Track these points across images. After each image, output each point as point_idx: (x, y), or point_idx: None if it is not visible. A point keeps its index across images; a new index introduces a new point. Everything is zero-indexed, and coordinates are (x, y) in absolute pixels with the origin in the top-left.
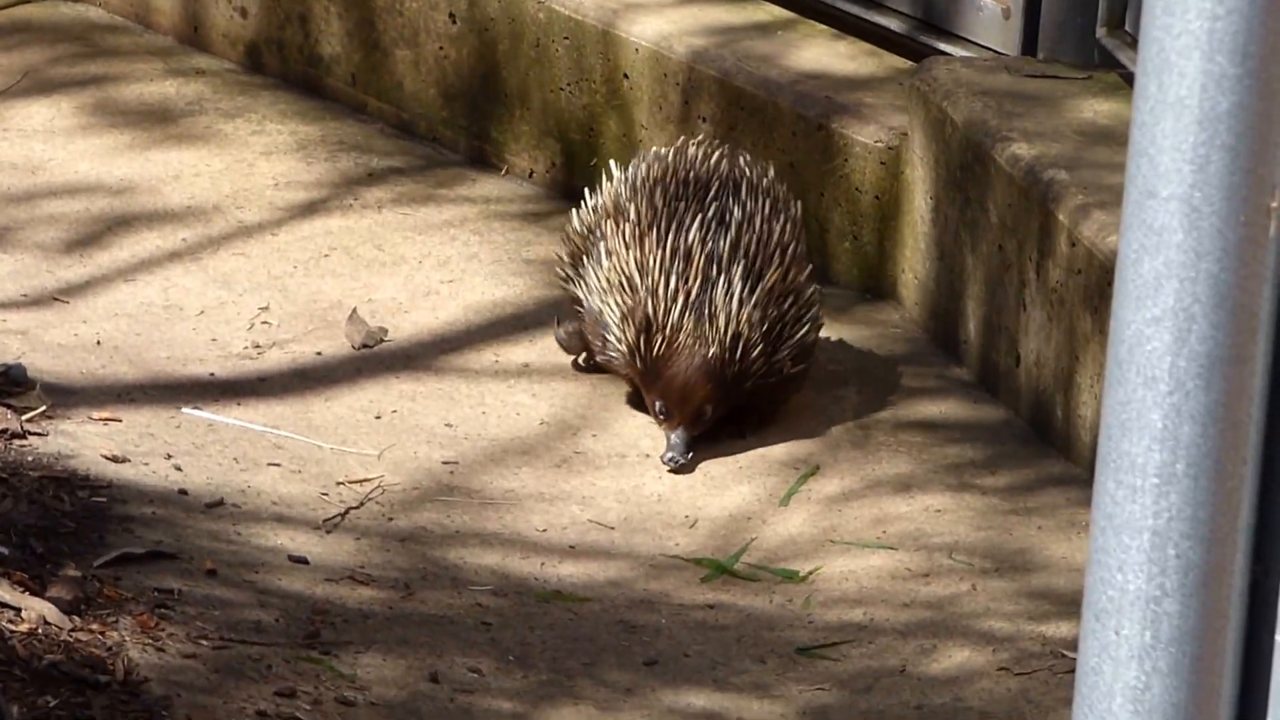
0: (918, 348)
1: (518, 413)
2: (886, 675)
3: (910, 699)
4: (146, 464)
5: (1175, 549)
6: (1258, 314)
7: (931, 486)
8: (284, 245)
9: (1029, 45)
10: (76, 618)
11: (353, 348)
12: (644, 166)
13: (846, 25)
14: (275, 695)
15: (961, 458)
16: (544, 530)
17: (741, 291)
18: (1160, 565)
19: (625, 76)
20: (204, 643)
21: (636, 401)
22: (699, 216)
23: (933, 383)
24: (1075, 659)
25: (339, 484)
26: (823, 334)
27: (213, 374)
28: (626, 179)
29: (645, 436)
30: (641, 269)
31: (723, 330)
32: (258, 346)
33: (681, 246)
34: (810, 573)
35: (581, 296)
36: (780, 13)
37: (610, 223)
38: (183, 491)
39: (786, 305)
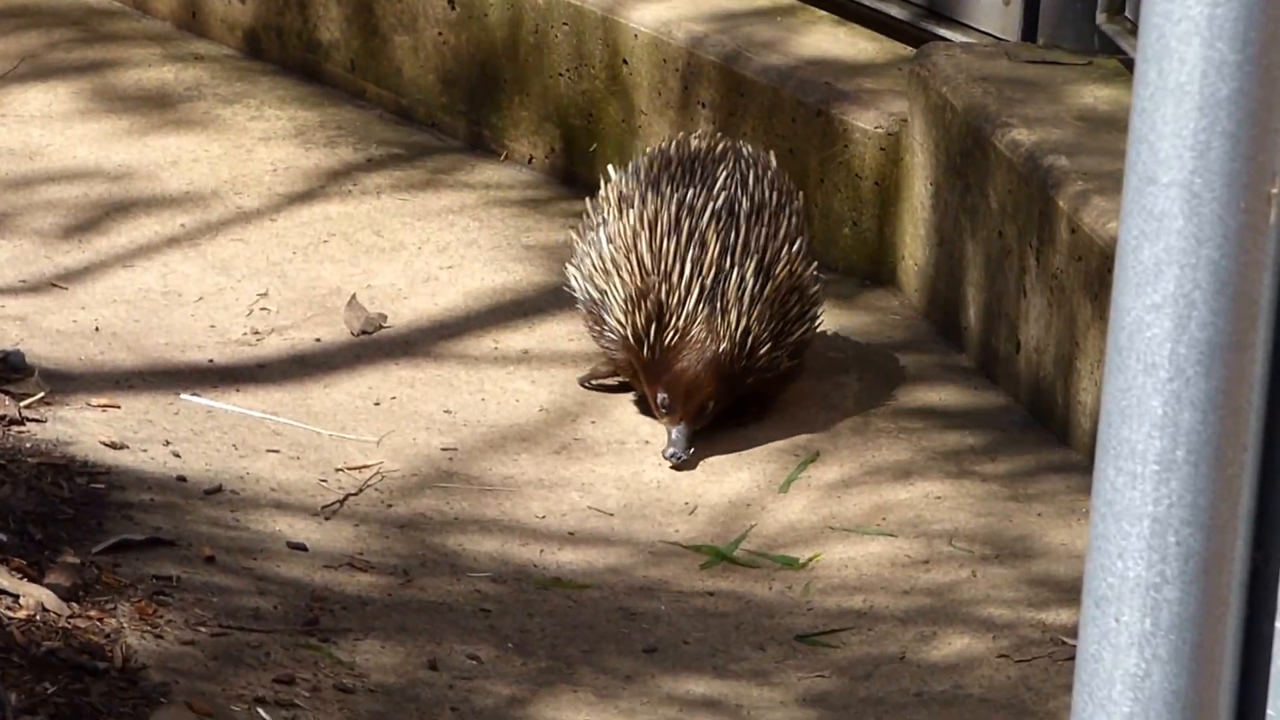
0: (918, 334)
1: (517, 399)
2: (886, 662)
3: (910, 686)
4: (145, 450)
5: (1175, 536)
6: (1258, 301)
7: (931, 473)
8: (283, 231)
9: (1029, 31)
10: (75, 604)
11: (351, 334)
12: (646, 160)
13: (847, 11)
14: (274, 682)
15: (961, 444)
16: (543, 517)
17: (754, 288)
18: (1160, 552)
19: (625, 62)
20: (202, 629)
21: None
22: (709, 205)
23: (933, 369)
24: (1075, 646)
25: (338, 470)
26: (823, 320)
27: (211, 360)
28: (629, 171)
29: (645, 423)
30: (654, 254)
31: (734, 326)
32: (256, 333)
33: (696, 234)
34: (810, 560)
35: (576, 282)
36: None
37: (613, 209)
38: (181, 478)
39: (792, 303)
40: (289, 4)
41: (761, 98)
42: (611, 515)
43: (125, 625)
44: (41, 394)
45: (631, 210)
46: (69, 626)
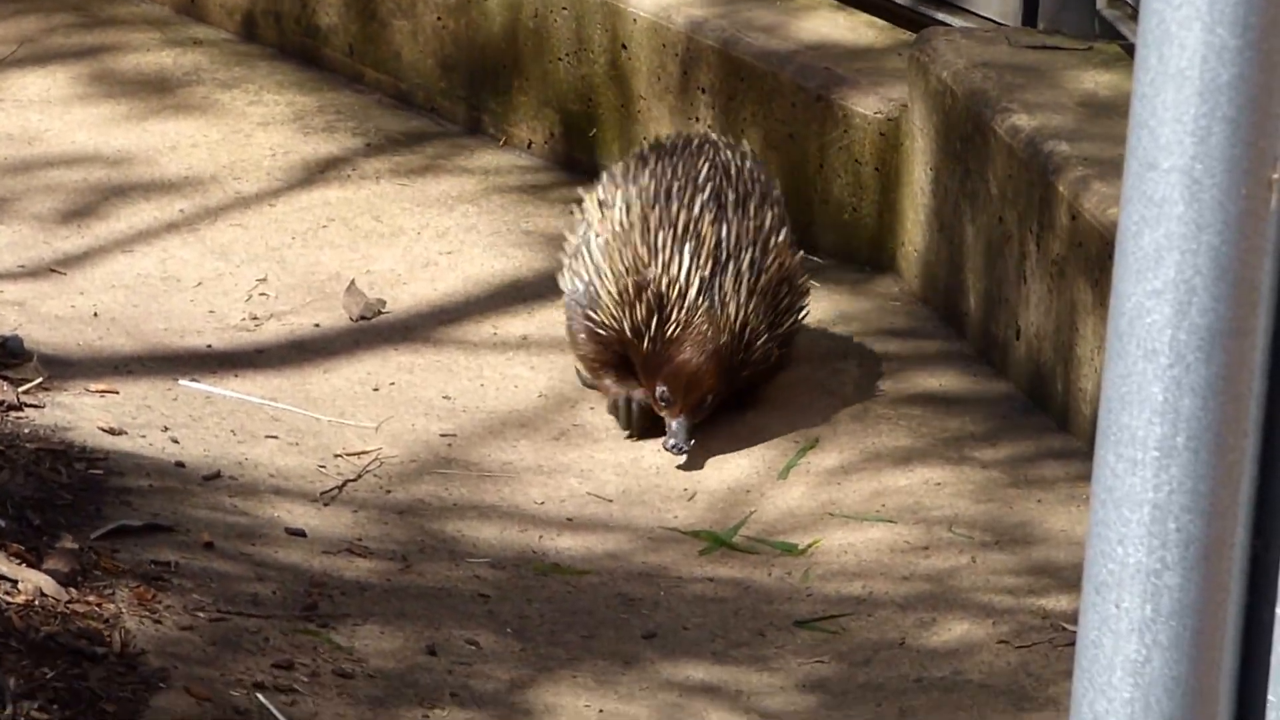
0: (917, 320)
1: (516, 385)
2: (885, 648)
3: (909, 672)
4: (144, 436)
5: (1176, 522)
6: (1258, 287)
7: (931, 459)
8: (281, 216)
9: (1029, 16)
10: (73, 590)
11: (351, 319)
12: (628, 161)
13: None
14: (273, 667)
15: (961, 431)
16: (542, 503)
17: (750, 280)
18: (1160, 538)
19: (624, 47)
20: (201, 615)
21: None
22: (698, 198)
23: (933, 355)
24: (1075, 632)
25: (337, 456)
26: (822, 307)
27: (210, 346)
28: (614, 173)
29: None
30: (649, 247)
31: (733, 319)
32: (255, 318)
33: (692, 227)
34: (809, 546)
35: (565, 282)
36: None
37: (603, 208)
38: (180, 464)
39: (782, 294)
40: None
41: (761, 83)
42: (610, 501)
43: (124, 610)
44: (40, 379)
45: (621, 207)
46: (67, 612)
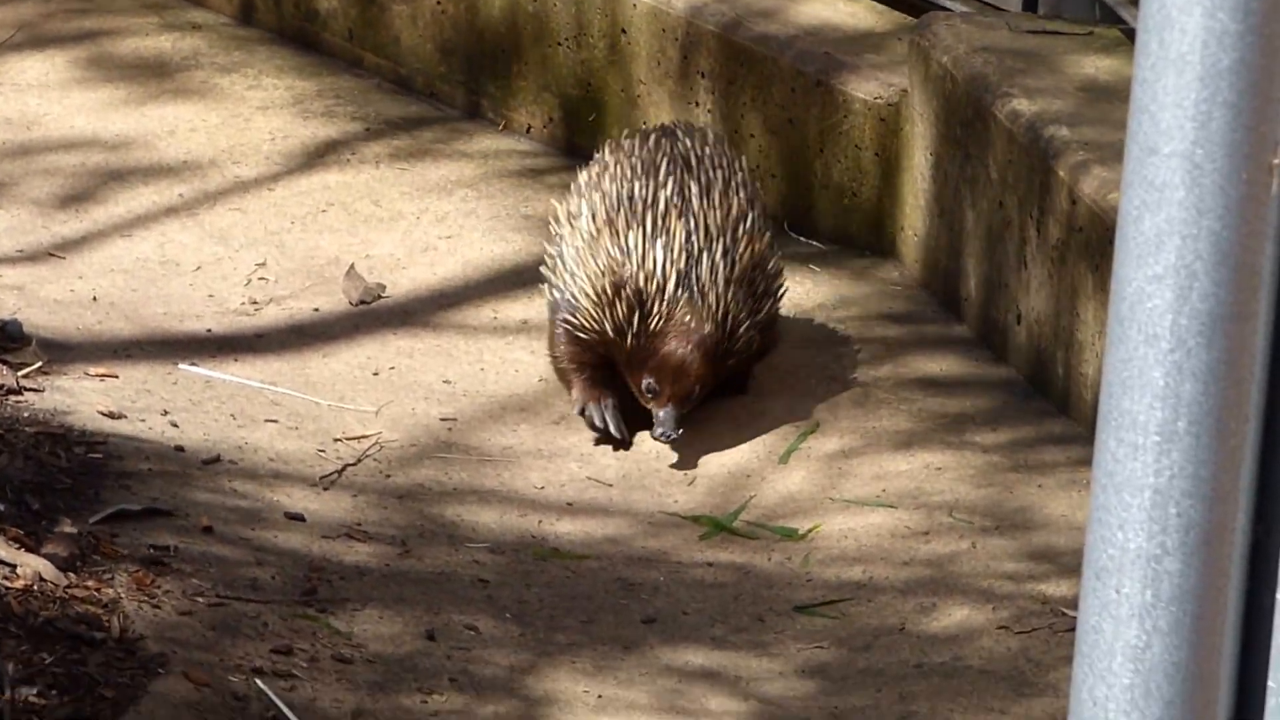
0: (918, 305)
1: (516, 370)
2: (885, 633)
3: (909, 657)
4: (143, 420)
5: (1176, 507)
6: (1259, 271)
7: (932, 444)
8: (281, 201)
9: (1030, 1)
10: (72, 574)
11: (350, 304)
12: (594, 168)
13: None
14: (272, 653)
15: (962, 415)
16: (542, 487)
17: (726, 270)
18: (1161, 523)
19: (624, 32)
20: (200, 600)
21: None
22: (660, 194)
23: (933, 340)
24: (1075, 617)
25: (336, 441)
26: (823, 291)
27: (210, 330)
28: (579, 183)
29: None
30: (622, 248)
31: (715, 308)
32: (255, 303)
33: (660, 223)
34: (809, 531)
35: (546, 294)
36: None
37: (573, 219)
38: (179, 448)
39: (757, 280)
40: None
41: (761, 67)
42: (610, 486)
43: (123, 595)
44: (39, 363)
45: (587, 215)
46: (66, 596)
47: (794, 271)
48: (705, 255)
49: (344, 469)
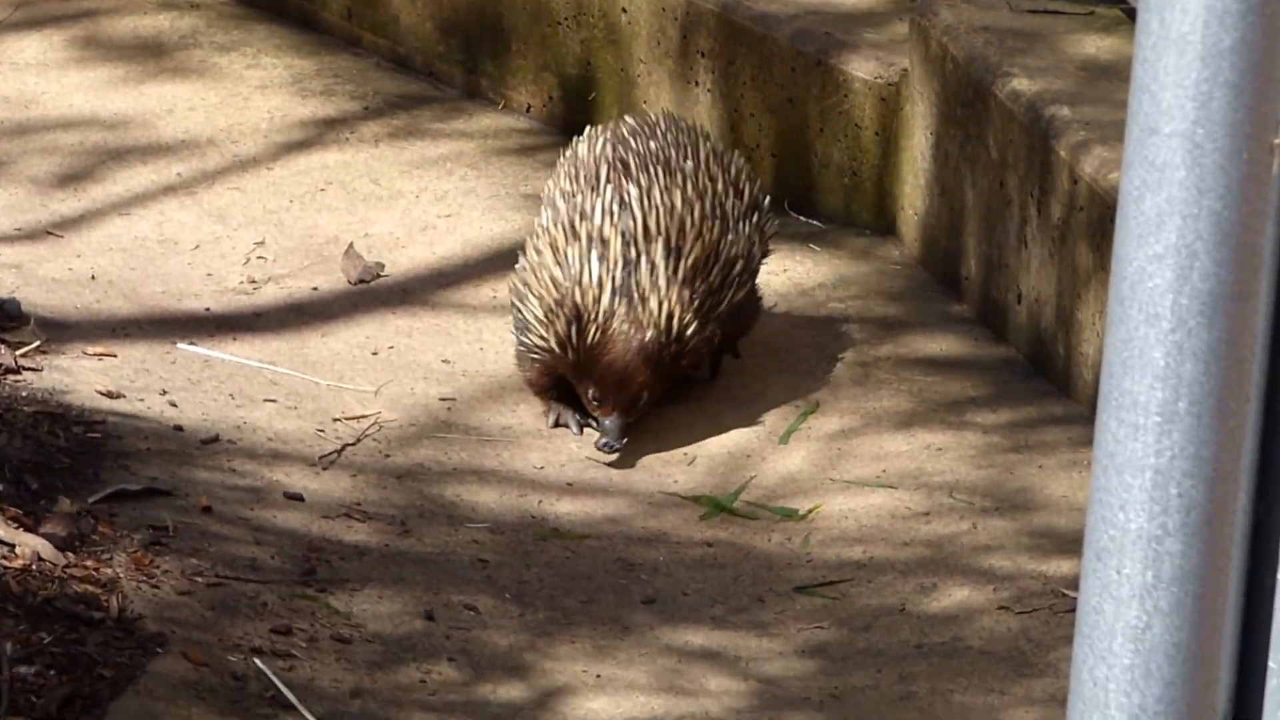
0: (918, 284)
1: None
2: (886, 614)
3: (910, 638)
4: (142, 400)
5: (1177, 488)
6: (1260, 251)
7: (932, 424)
8: (279, 180)
9: None
10: (71, 554)
11: (349, 283)
12: (551, 180)
13: None
14: (271, 633)
15: (962, 395)
16: (542, 467)
17: (666, 270)
18: (1162, 504)
19: (623, 11)
20: (199, 580)
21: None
22: (598, 204)
23: (933, 320)
24: (1076, 598)
25: (335, 420)
26: (822, 271)
27: (208, 309)
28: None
29: None
30: (561, 263)
31: (657, 313)
32: (253, 282)
33: (595, 233)
34: (809, 511)
35: (513, 311)
36: None
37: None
38: (178, 428)
39: (714, 274)
40: None
41: (761, 47)
42: (610, 466)
43: (121, 575)
44: (37, 342)
45: (535, 234)
46: (65, 576)
47: (794, 251)
48: (643, 258)
49: (343, 449)
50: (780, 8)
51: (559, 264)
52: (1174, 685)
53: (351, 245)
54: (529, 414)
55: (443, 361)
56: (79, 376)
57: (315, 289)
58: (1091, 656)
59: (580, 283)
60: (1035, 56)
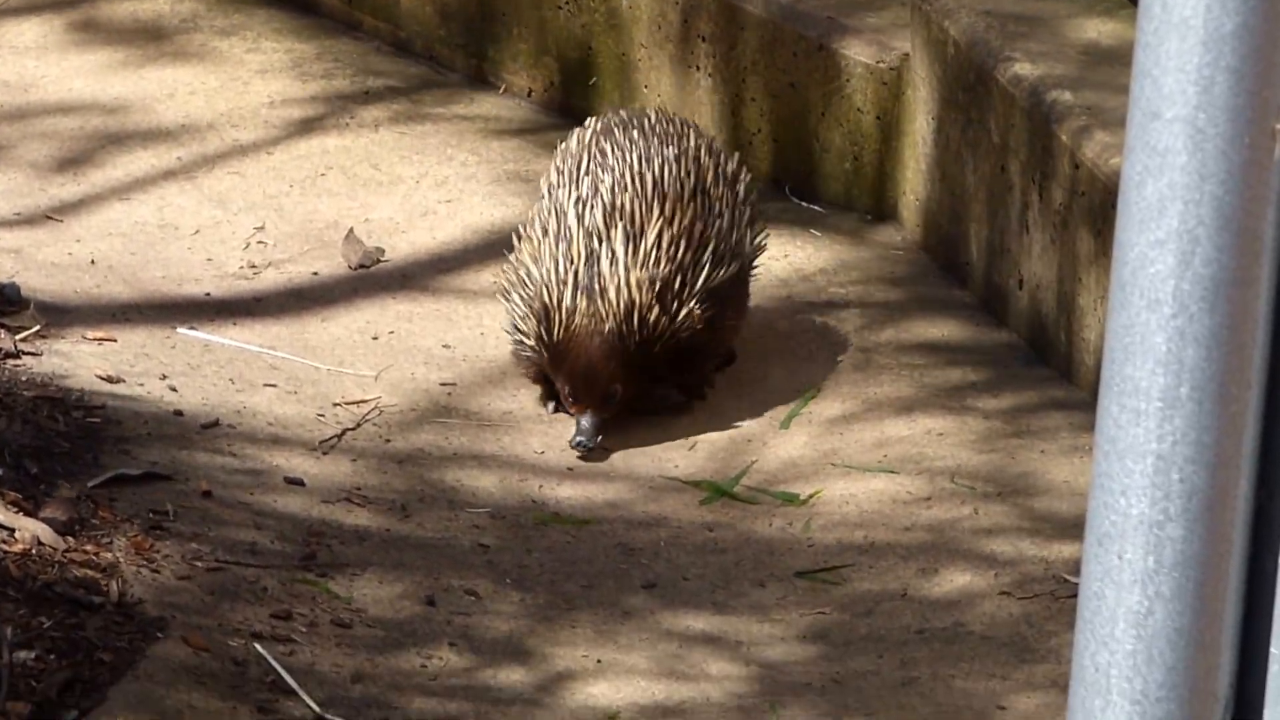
0: (919, 269)
1: None
2: (887, 599)
3: (911, 623)
4: (141, 384)
5: (1179, 473)
6: (1262, 237)
7: (933, 409)
8: (279, 164)
9: None
10: (71, 538)
11: (349, 268)
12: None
13: None
14: (271, 617)
15: (963, 381)
16: (542, 452)
17: (625, 256)
18: (1164, 490)
19: None
20: (199, 564)
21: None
22: (573, 195)
23: (934, 305)
24: (1077, 583)
25: (336, 405)
26: (824, 256)
27: (208, 294)
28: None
29: None
30: (538, 260)
31: (615, 303)
32: (253, 266)
33: (562, 228)
34: (810, 496)
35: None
36: None
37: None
38: (178, 412)
39: (682, 253)
40: None
41: (762, 32)
42: (610, 450)
43: (121, 559)
44: (37, 327)
45: (520, 235)
46: (65, 560)
47: (795, 236)
48: (603, 247)
49: (343, 434)
50: None
51: (536, 261)
52: (1176, 670)
53: (352, 230)
54: (529, 399)
55: (443, 346)
56: (79, 361)
57: (315, 274)
58: (1093, 642)
59: (547, 280)
60: (1037, 41)
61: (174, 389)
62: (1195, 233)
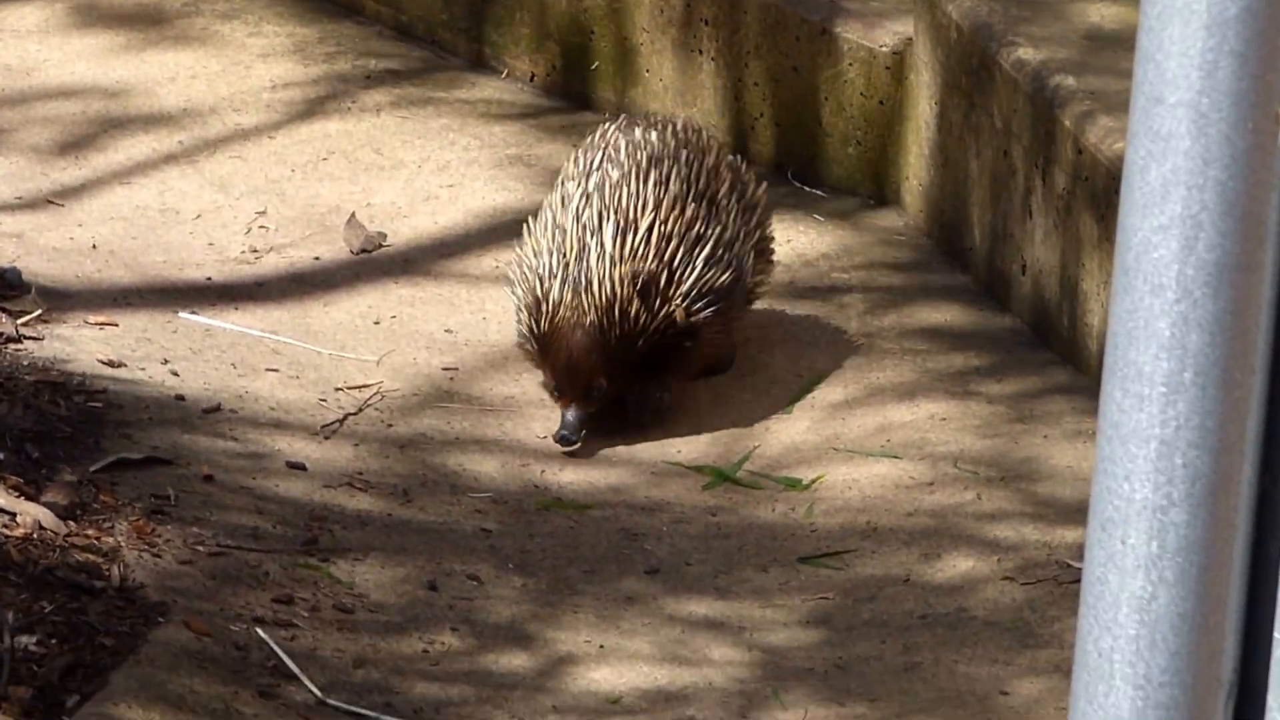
0: (922, 254)
1: None
2: (890, 584)
3: (914, 608)
4: (143, 369)
5: (1182, 458)
6: (1265, 221)
7: (936, 394)
8: (281, 148)
9: None
10: (72, 523)
11: (351, 253)
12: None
13: None
14: (273, 602)
15: (966, 365)
16: (544, 437)
17: (612, 250)
18: (1167, 474)
19: None
20: (201, 549)
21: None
22: (577, 190)
23: (937, 290)
24: (1081, 569)
25: (338, 390)
26: (826, 241)
27: (210, 278)
28: None
29: None
30: (537, 253)
31: (597, 296)
32: (255, 251)
33: (558, 221)
34: (813, 481)
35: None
36: None
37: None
38: (180, 397)
39: (670, 252)
40: None
41: (764, 16)
42: (613, 435)
43: (123, 544)
44: (39, 311)
45: (530, 223)
46: (66, 545)
47: (797, 221)
48: (594, 239)
49: (345, 418)
50: None
51: (537, 253)
52: (1179, 655)
53: (354, 215)
54: (531, 384)
55: (445, 331)
56: (80, 345)
57: (317, 258)
58: (1096, 627)
59: (540, 272)
60: (1040, 25)
61: (175, 373)
62: (1199, 218)
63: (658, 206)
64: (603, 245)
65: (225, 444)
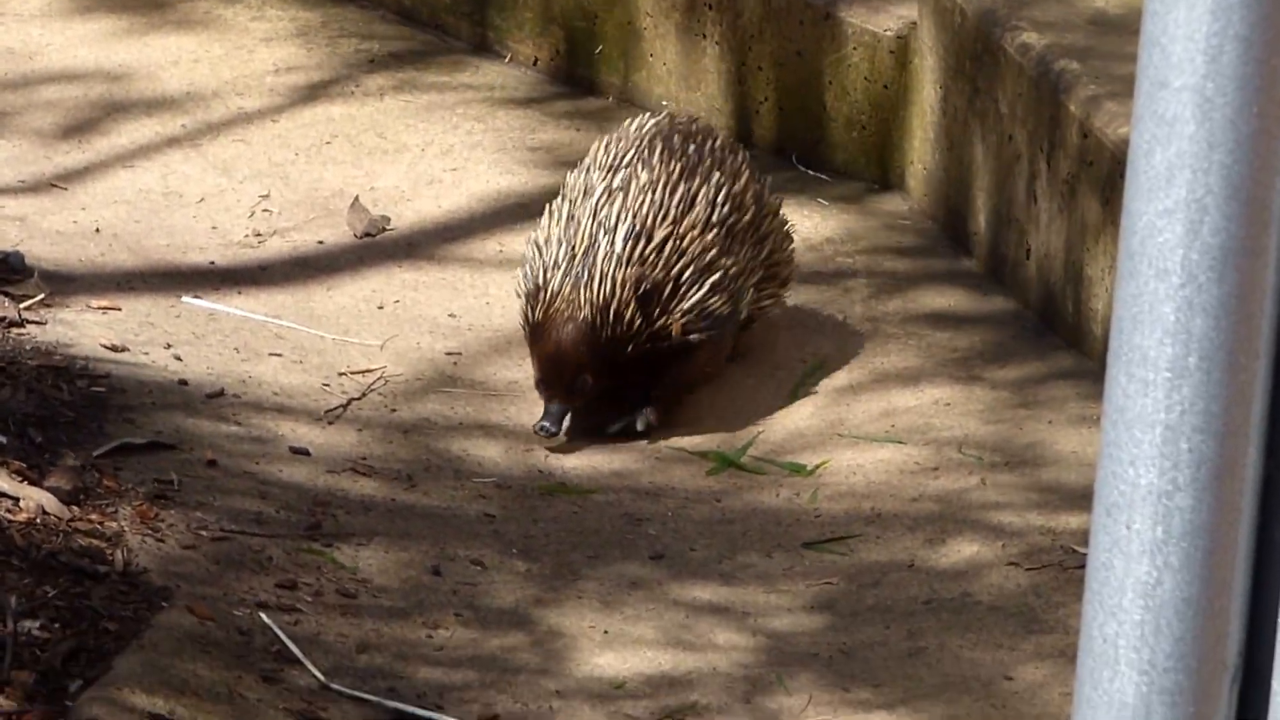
0: (926, 239)
1: None
2: (895, 570)
3: (919, 593)
4: (146, 353)
5: (1187, 443)
6: (1270, 206)
7: (940, 379)
8: (285, 132)
9: None
10: (75, 508)
11: (355, 236)
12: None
13: None
14: (276, 587)
15: (971, 351)
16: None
17: (621, 252)
18: (1172, 459)
19: None
20: (204, 533)
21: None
22: (603, 184)
23: (942, 275)
24: (1086, 554)
25: (341, 374)
26: (830, 225)
27: (213, 262)
28: None
29: None
30: (545, 243)
31: (595, 293)
32: (258, 235)
33: (574, 214)
34: (817, 466)
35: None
36: None
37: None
38: (183, 381)
39: (679, 267)
40: None
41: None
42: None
43: (126, 529)
44: (41, 295)
45: (550, 207)
46: (69, 530)
47: (802, 205)
48: (605, 237)
49: (349, 403)
50: None
51: (546, 241)
52: (1184, 641)
53: (357, 198)
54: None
55: (449, 316)
56: (83, 330)
57: (321, 242)
58: (1101, 612)
59: (545, 260)
60: (1044, 9)
61: (179, 358)
62: (1203, 202)
63: (676, 223)
64: (613, 245)
65: (229, 429)
